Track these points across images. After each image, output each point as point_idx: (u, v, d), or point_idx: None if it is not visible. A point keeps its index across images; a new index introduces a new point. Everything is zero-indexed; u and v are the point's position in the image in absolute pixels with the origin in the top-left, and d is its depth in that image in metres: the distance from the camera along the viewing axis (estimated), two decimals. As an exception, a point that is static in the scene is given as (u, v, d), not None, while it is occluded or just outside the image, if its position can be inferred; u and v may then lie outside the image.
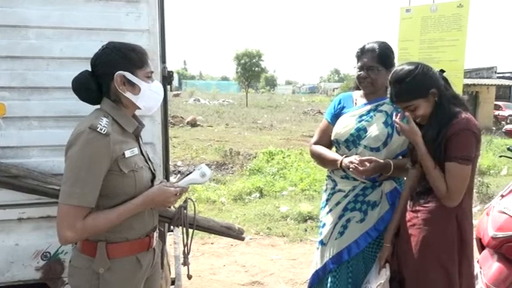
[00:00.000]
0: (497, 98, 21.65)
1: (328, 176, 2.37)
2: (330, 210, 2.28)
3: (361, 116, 2.21)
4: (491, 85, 20.43)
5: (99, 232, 1.47)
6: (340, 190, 2.24)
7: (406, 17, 6.77)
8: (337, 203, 2.24)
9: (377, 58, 2.14)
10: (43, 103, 1.92)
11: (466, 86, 16.64)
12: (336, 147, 2.32)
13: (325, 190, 2.38)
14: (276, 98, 40.21)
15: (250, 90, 37.68)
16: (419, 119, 1.90)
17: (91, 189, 1.41)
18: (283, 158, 8.75)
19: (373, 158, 2.03)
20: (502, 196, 2.83)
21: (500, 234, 2.53)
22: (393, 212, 2.12)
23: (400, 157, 2.18)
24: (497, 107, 21.08)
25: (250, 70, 33.57)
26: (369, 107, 2.22)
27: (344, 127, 2.22)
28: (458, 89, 6.35)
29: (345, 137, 2.20)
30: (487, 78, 21.49)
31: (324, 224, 2.32)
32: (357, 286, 2.20)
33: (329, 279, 2.25)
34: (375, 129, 2.14)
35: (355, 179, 2.18)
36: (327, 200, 2.32)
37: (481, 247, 2.76)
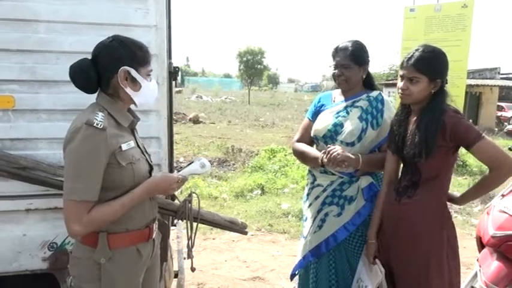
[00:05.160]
0: (500, 99, 21.62)
1: (308, 171, 2.44)
2: (310, 205, 2.35)
3: (338, 112, 2.28)
4: (495, 86, 20.37)
5: (105, 223, 1.50)
6: (319, 185, 2.31)
7: (410, 16, 6.79)
8: (316, 197, 2.31)
9: (349, 56, 2.21)
10: (52, 96, 1.95)
11: (469, 86, 16.61)
12: (315, 143, 2.39)
13: (307, 185, 2.45)
14: (278, 96, 40.18)
15: (253, 87, 37.63)
16: (406, 99, 1.93)
17: (93, 183, 1.44)
18: (285, 155, 8.76)
19: (338, 147, 2.09)
20: (503, 196, 2.85)
21: (500, 233, 2.56)
22: (370, 208, 2.19)
23: (376, 150, 2.26)
24: (500, 108, 21.05)
25: (252, 68, 33.55)
26: (345, 103, 2.29)
27: (322, 123, 2.29)
28: (461, 89, 6.39)
29: (322, 132, 2.27)
30: (490, 79, 21.43)
31: (306, 218, 2.40)
32: (342, 276, 2.27)
33: (311, 271, 2.33)
34: (350, 124, 2.21)
35: (333, 174, 2.25)
36: (308, 194, 2.40)
37: (481, 246, 2.78)
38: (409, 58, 1.90)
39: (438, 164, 1.89)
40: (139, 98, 1.61)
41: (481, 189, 2.00)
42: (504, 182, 1.88)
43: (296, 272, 2.47)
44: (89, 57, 1.57)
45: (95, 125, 1.44)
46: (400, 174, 2.09)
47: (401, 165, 2.09)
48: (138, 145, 1.67)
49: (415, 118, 1.95)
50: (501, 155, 1.83)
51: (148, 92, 1.63)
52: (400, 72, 1.95)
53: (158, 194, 1.72)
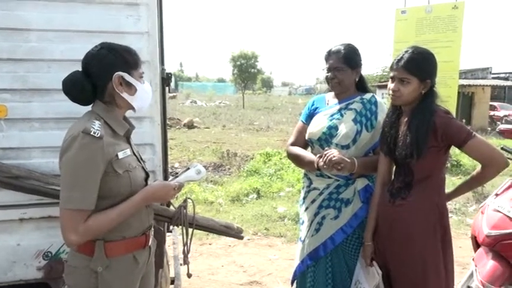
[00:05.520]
0: (493, 99, 21.78)
1: (304, 174, 2.44)
2: (307, 208, 2.36)
3: (332, 115, 2.29)
4: (487, 86, 20.54)
5: (102, 232, 1.49)
6: (315, 188, 2.31)
7: (401, 18, 6.85)
8: (313, 201, 2.31)
9: (342, 59, 2.23)
10: (44, 105, 1.94)
11: (462, 86, 16.72)
12: (310, 146, 2.40)
13: (303, 188, 2.45)
14: (273, 100, 40.24)
15: (247, 91, 37.64)
16: (397, 100, 1.96)
17: (89, 192, 1.44)
18: (280, 159, 8.77)
19: (334, 151, 2.09)
20: (497, 195, 2.87)
21: (494, 232, 2.57)
22: (367, 210, 2.19)
23: (371, 153, 2.27)
24: (493, 108, 21.21)
25: (246, 72, 33.61)
26: (339, 106, 2.30)
27: (316, 126, 2.30)
28: (453, 89, 6.44)
29: (317, 135, 2.27)
30: (482, 78, 21.60)
31: (303, 221, 2.40)
32: (340, 279, 2.27)
33: (308, 275, 2.34)
34: (344, 127, 2.22)
35: (329, 177, 2.25)
36: (304, 198, 2.40)
37: (476, 245, 2.80)
38: (399, 60, 1.92)
39: (430, 164, 1.91)
40: (137, 101, 1.61)
41: (473, 184, 2.06)
42: (496, 176, 1.92)
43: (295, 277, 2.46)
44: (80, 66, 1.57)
45: (92, 133, 1.43)
46: (393, 175, 2.10)
47: (394, 166, 2.11)
48: (134, 153, 1.67)
49: (406, 119, 1.97)
50: (493, 152, 1.88)
51: (144, 94, 1.63)
52: (391, 74, 1.98)
53: (155, 201, 1.72)
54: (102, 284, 1.52)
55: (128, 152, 1.60)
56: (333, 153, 2.07)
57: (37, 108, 1.94)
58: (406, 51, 1.93)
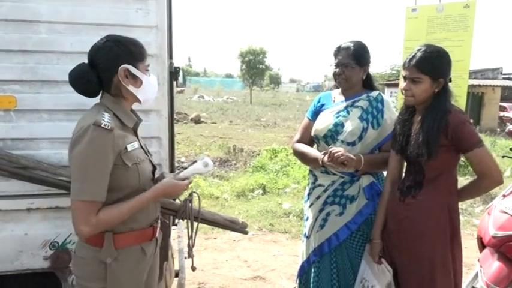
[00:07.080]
0: (503, 99, 21.55)
1: (309, 171, 2.44)
2: (312, 204, 2.36)
3: (338, 112, 2.29)
4: (497, 86, 20.33)
5: (113, 225, 1.51)
6: (320, 185, 2.32)
7: (412, 16, 6.77)
8: (318, 197, 2.32)
9: (351, 56, 2.22)
10: (53, 96, 1.96)
11: (472, 86, 16.58)
12: (316, 143, 2.40)
13: (308, 184, 2.46)
14: (280, 96, 40.17)
15: (255, 87, 37.60)
16: (410, 100, 1.94)
17: (101, 184, 1.45)
18: (287, 155, 8.77)
19: (341, 149, 2.08)
20: (504, 196, 2.85)
21: (500, 234, 2.56)
22: (372, 207, 2.19)
23: (377, 150, 2.27)
24: (502, 108, 20.99)
25: (254, 68, 33.56)
26: (345, 103, 2.30)
27: (322, 123, 2.29)
28: (463, 89, 6.37)
29: (323, 132, 2.27)
30: (492, 79, 21.37)
31: (308, 218, 2.40)
32: (343, 275, 2.27)
33: (312, 270, 2.34)
34: (350, 124, 2.21)
35: (334, 174, 2.25)
36: (309, 194, 2.41)
37: (482, 246, 2.78)
38: (411, 59, 1.90)
39: (441, 163, 1.89)
40: (142, 94, 1.61)
41: (467, 195, 2.03)
42: (488, 192, 1.90)
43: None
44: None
45: (102, 125, 1.44)
46: (403, 173, 2.09)
47: (405, 164, 2.09)
48: (141, 146, 1.68)
49: (419, 118, 1.95)
50: (494, 166, 1.85)
51: (149, 87, 1.64)
52: (403, 73, 1.95)
53: (165, 198, 1.75)
54: (110, 275, 1.53)
55: (136, 144, 1.61)
56: (339, 150, 2.07)
57: (46, 100, 1.95)
58: (418, 50, 1.90)
